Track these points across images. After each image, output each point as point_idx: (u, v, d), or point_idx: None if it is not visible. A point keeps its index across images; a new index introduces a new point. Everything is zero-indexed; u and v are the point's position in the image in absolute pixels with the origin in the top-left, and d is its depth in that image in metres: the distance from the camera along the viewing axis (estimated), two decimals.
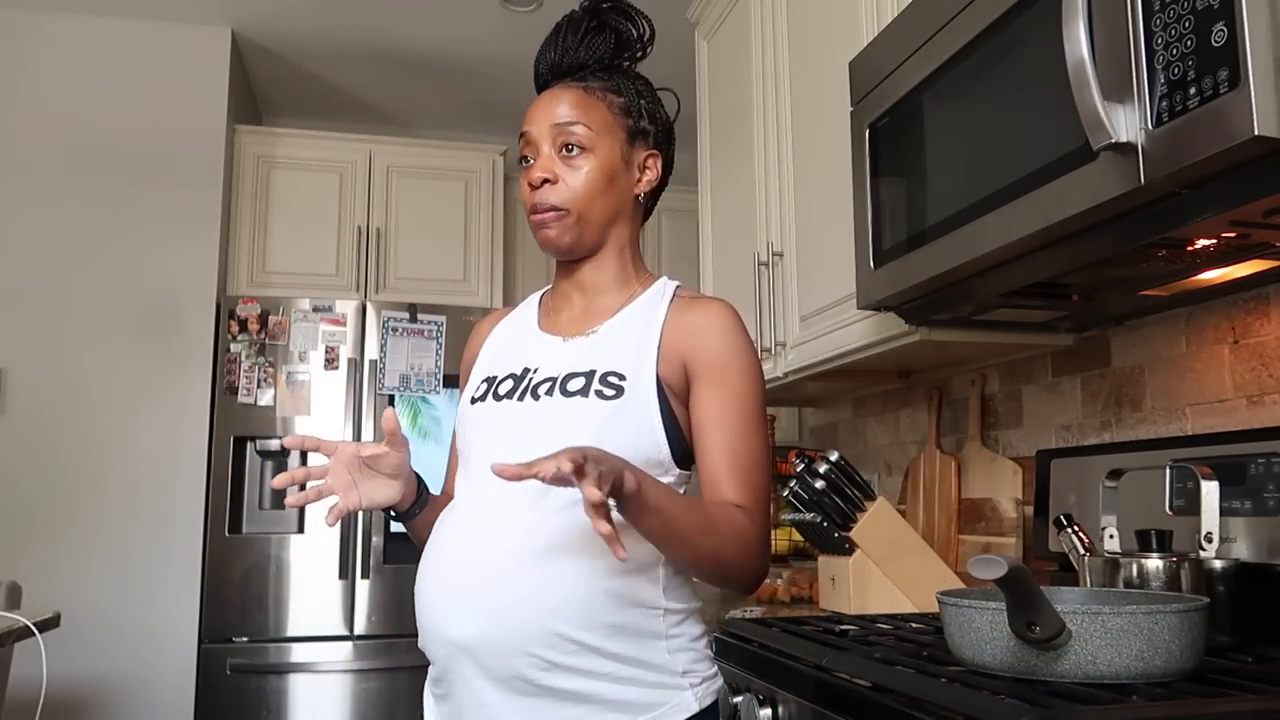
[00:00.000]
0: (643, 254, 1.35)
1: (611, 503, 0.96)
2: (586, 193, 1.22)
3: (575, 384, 1.17)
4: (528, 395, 1.20)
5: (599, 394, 1.15)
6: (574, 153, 1.22)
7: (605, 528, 0.91)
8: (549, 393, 1.18)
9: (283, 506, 3.50)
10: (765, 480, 1.18)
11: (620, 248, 1.27)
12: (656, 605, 1.14)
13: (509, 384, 1.24)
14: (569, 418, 1.15)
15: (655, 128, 1.29)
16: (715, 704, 1.19)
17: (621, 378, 1.16)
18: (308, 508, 3.33)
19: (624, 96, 1.26)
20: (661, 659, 1.14)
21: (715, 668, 1.23)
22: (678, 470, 1.19)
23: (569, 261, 1.28)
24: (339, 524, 3.44)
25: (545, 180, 1.22)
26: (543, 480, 0.92)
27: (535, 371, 1.22)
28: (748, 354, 1.19)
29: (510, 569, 1.11)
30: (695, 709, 1.14)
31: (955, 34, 1.46)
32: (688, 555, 1.10)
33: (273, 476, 3.74)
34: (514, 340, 1.31)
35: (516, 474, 0.93)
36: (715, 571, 1.13)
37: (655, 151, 1.29)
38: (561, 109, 1.23)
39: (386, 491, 1.21)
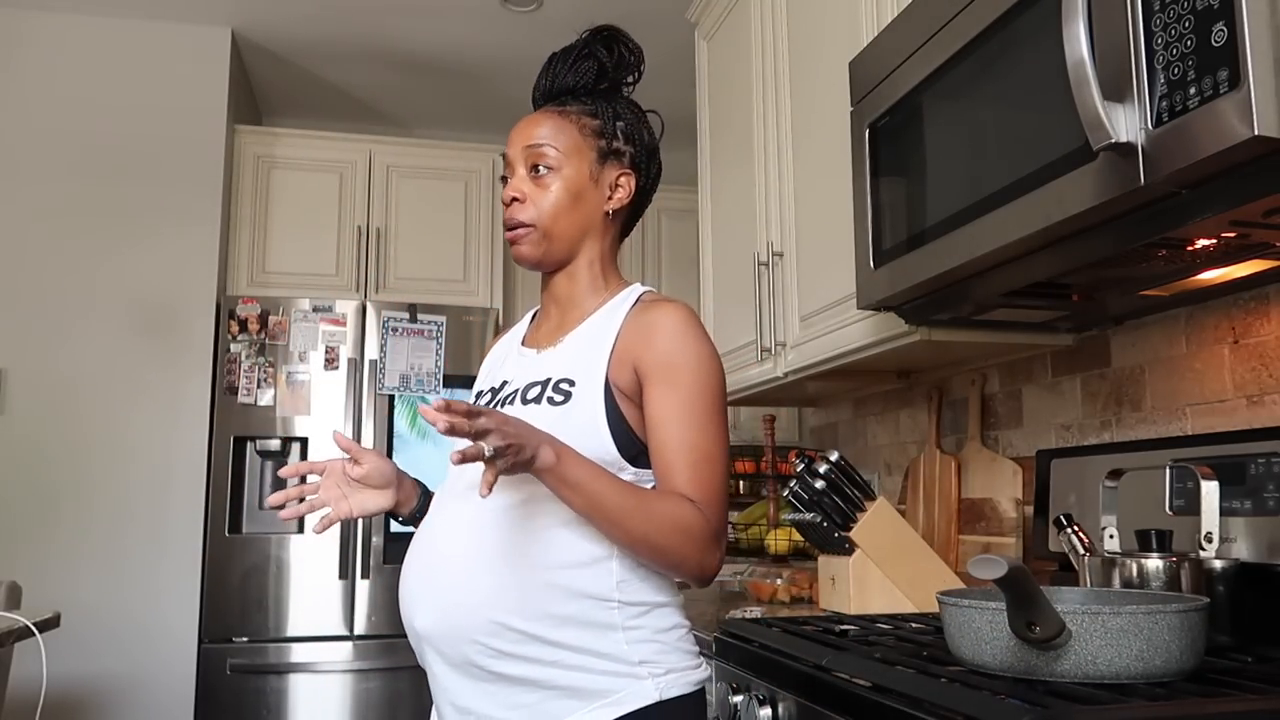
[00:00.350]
0: (620, 265, 1.42)
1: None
2: (552, 210, 1.31)
3: (533, 393, 1.27)
4: (504, 406, 1.30)
5: (550, 400, 1.24)
6: (542, 172, 1.31)
7: (472, 460, 1.01)
8: (511, 402, 1.28)
9: (283, 506, 3.52)
10: (717, 476, 1.21)
11: (591, 261, 1.35)
12: (609, 598, 1.19)
13: (488, 397, 1.35)
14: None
15: (633, 149, 1.36)
16: (690, 696, 1.22)
17: (571, 384, 1.24)
18: (310, 515, 3.35)
19: (598, 119, 1.34)
20: (616, 649, 1.18)
21: (696, 661, 1.26)
22: (633, 469, 1.23)
23: (547, 276, 1.37)
24: (339, 524, 3.45)
25: (515, 199, 1.31)
26: (441, 430, 1.00)
27: (508, 384, 1.33)
28: (698, 353, 1.23)
29: (459, 565, 1.20)
30: (655, 698, 1.18)
31: (955, 34, 1.46)
32: (619, 536, 1.16)
33: (272, 477, 3.75)
34: (501, 356, 1.43)
35: (430, 414, 1.00)
36: (654, 557, 1.18)
37: (628, 171, 1.36)
38: (533, 131, 1.32)
39: (378, 500, 1.32)
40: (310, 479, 1.32)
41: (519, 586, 1.17)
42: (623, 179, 1.35)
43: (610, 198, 1.34)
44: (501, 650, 1.16)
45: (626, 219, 1.40)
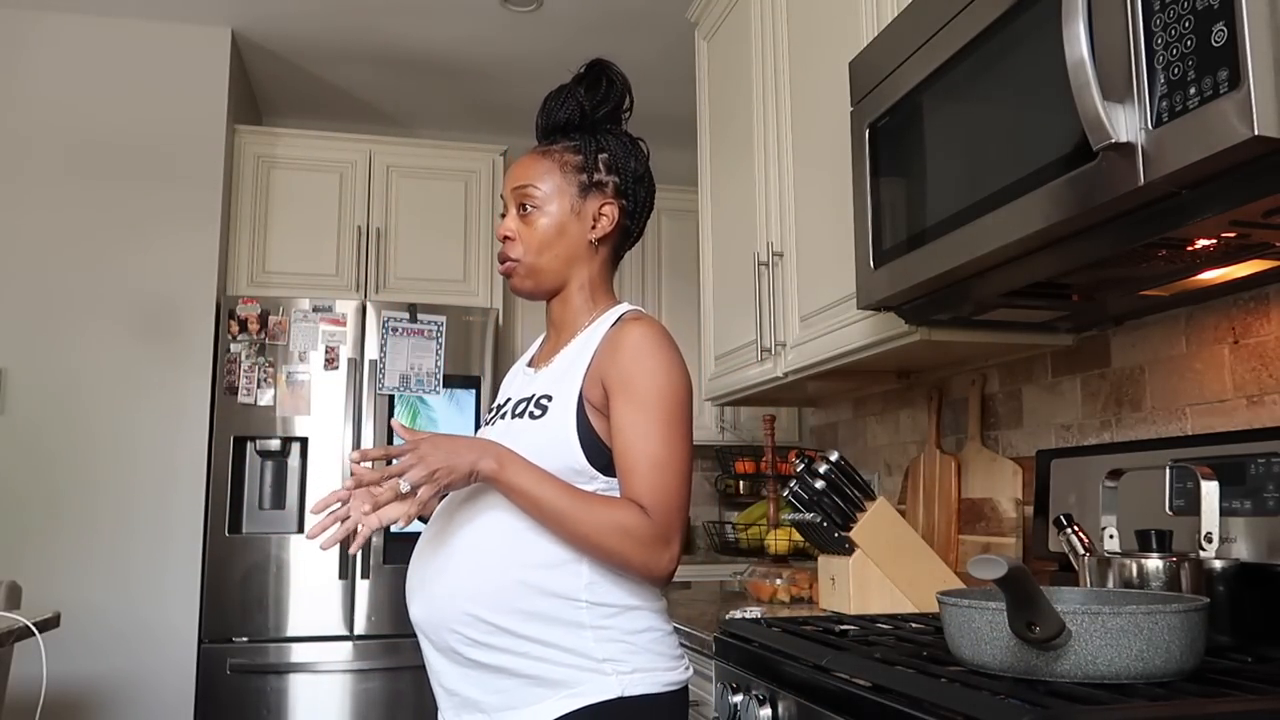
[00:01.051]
0: (621, 268, 1.52)
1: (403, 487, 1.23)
2: (536, 245, 1.43)
3: (520, 408, 1.40)
4: (498, 420, 1.44)
5: (530, 415, 1.37)
6: (528, 211, 1.44)
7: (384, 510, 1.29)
8: (504, 417, 1.42)
9: (283, 506, 3.53)
10: (671, 482, 1.30)
11: (581, 285, 1.46)
12: (576, 598, 1.29)
13: (493, 412, 1.50)
14: (510, 436, 1.35)
15: (617, 178, 1.46)
16: (661, 696, 1.29)
17: (549, 399, 1.36)
18: (310, 515, 3.40)
19: (580, 154, 1.45)
20: (583, 645, 1.28)
21: (671, 664, 1.33)
22: (603, 477, 1.33)
23: (546, 302, 1.49)
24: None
25: (506, 237, 1.45)
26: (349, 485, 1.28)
27: (510, 400, 1.46)
28: (657, 368, 1.32)
29: (443, 562, 1.33)
30: (617, 693, 1.27)
31: (955, 34, 1.46)
32: (566, 536, 1.28)
33: (272, 477, 3.75)
34: (511, 376, 1.58)
35: (366, 455, 1.26)
36: (600, 556, 1.28)
37: (612, 200, 1.45)
38: (521, 174, 1.45)
39: (402, 508, 1.39)
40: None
41: (493, 583, 1.28)
42: (606, 208, 1.44)
43: (594, 227, 1.44)
44: (475, 639, 1.28)
45: (618, 243, 1.49)
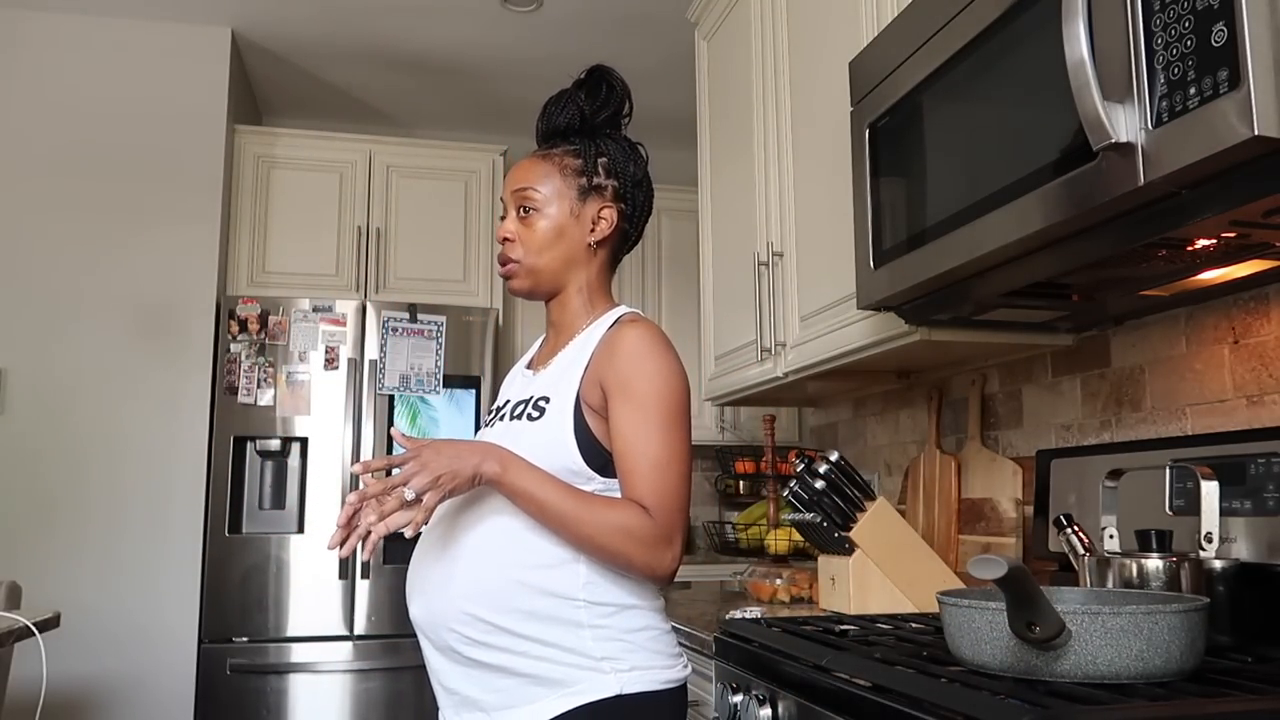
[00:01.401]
0: (621, 269, 1.54)
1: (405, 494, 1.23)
2: (535, 247, 1.44)
3: (519, 410, 1.41)
4: (498, 421, 1.45)
5: (528, 416, 1.38)
6: (528, 214, 1.45)
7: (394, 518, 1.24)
8: (503, 418, 1.44)
9: (283, 506, 3.53)
10: (672, 483, 1.31)
11: (580, 288, 1.47)
12: (574, 597, 1.30)
13: (493, 413, 1.52)
14: (509, 438, 1.36)
15: (616, 182, 1.47)
16: (659, 694, 1.30)
17: (547, 401, 1.38)
18: (310, 514, 3.53)
19: (580, 158, 1.46)
20: (580, 644, 1.29)
21: (669, 662, 1.34)
22: (601, 478, 1.34)
23: (545, 304, 1.51)
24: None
25: (506, 239, 1.46)
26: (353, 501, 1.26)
27: (509, 402, 1.47)
28: (654, 369, 1.33)
29: (444, 563, 1.34)
30: (615, 691, 1.28)
31: (955, 34, 1.46)
32: (569, 537, 1.29)
33: (272, 477, 3.75)
34: (510, 377, 1.59)
35: (369, 467, 1.26)
36: (603, 557, 1.29)
37: (610, 204, 1.46)
38: (521, 177, 1.46)
39: (409, 515, 1.38)
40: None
41: (492, 582, 1.29)
42: (605, 212, 1.45)
43: (592, 230, 1.45)
44: (474, 639, 1.29)
45: (616, 246, 1.50)
